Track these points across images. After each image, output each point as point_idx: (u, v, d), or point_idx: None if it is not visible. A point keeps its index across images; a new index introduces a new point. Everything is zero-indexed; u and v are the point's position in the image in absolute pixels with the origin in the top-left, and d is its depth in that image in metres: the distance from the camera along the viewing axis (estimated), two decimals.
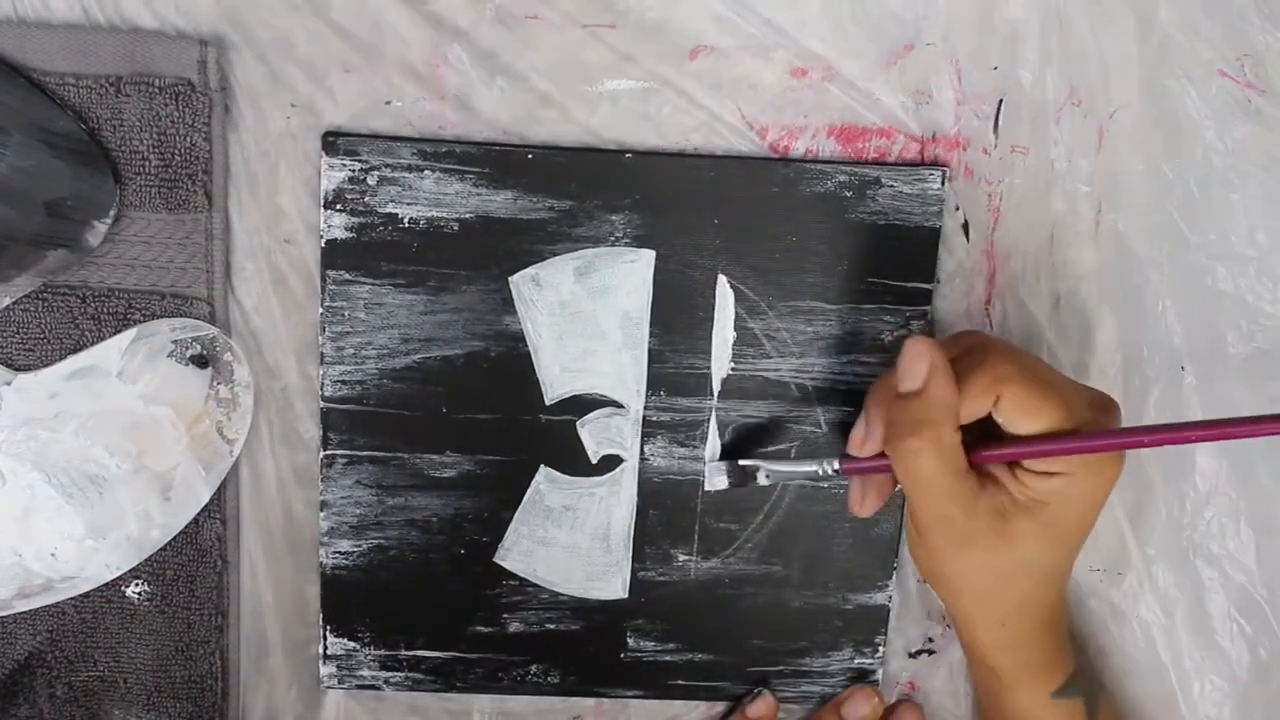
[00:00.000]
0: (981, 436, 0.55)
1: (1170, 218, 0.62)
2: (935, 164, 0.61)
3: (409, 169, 0.59)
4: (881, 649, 0.66)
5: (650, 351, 0.62)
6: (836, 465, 0.60)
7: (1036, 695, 0.60)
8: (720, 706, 0.67)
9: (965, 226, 0.62)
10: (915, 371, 0.54)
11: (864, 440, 0.58)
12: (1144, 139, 0.61)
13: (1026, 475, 0.55)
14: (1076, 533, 0.57)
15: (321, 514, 0.63)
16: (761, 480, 0.62)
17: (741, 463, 0.63)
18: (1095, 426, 0.54)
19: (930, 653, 0.67)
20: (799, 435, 0.63)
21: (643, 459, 0.63)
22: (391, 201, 0.59)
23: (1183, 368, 0.63)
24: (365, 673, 0.65)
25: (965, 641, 0.62)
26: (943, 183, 0.61)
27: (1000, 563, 0.56)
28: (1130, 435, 0.54)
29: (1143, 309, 0.63)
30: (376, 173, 0.59)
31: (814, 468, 0.61)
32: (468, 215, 0.60)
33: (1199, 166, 0.61)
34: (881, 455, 0.57)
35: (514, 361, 0.61)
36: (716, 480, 0.63)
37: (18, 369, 0.59)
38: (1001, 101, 0.61)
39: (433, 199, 0.59)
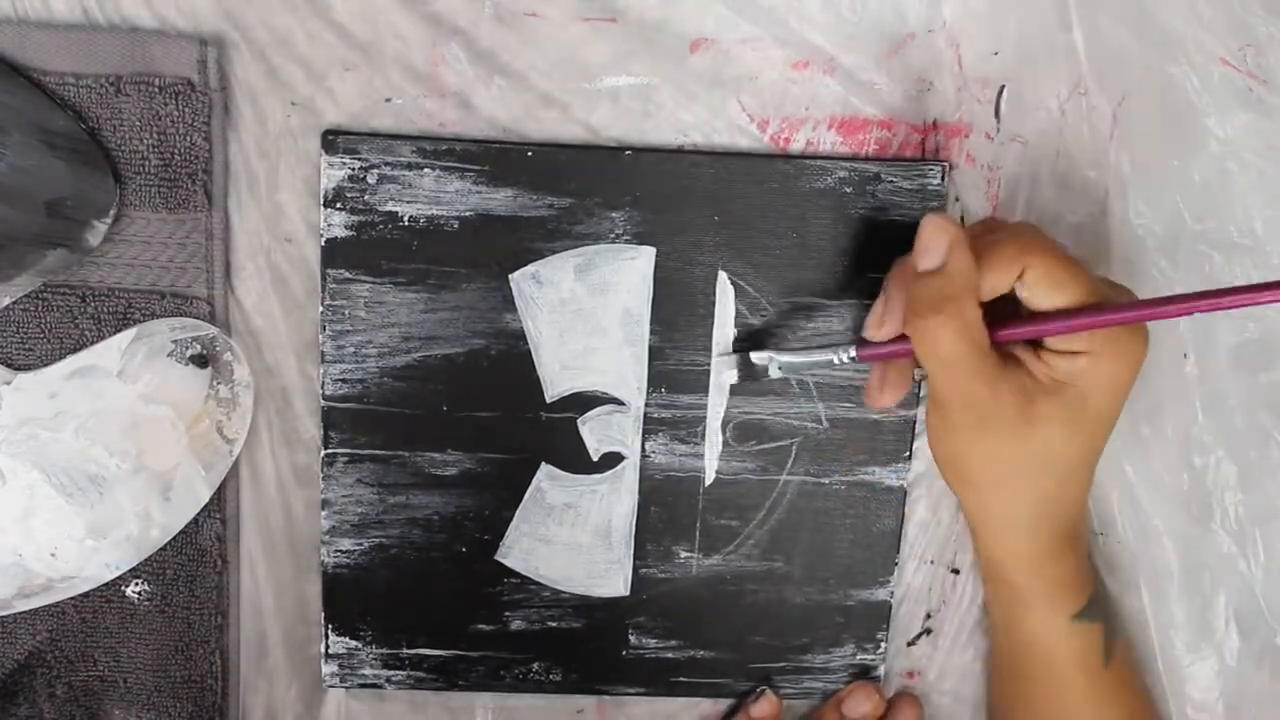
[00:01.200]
0: (1001, 319, 0.54)
1: (1172, 206, 0.62)
2: (935, 159, 0.61)
3: (409, 167, 0.59)
4: (884, 645, 0.66)
5: (651, 348, 0.62)
6: (853, 353, 0.58)
7: (1057, 617, 0.59)
8: (723, 704, 0.67)
9: (962, 219, 0.62)
10: (936, 246, 0.53)
11: (882, 321, 0.57)
12: (1145, 127, 0.61)
13: (1050, 355, 0.54)
14: (1101, 420, 0.56)
15: (323, 513, 0.63)
16: (773, 373, 0.60)
17: (753, 355, 0.61)
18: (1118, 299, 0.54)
19: (928, 632, 0.67)
20: (800, 431, 0.63)
21: (644, 456, 0.63)
22: (391, 200, 0.59)
23: (1185, 355, 0.63)
24: (367, 671, 0.65)
25: (984, 555, 0.61)
26: (942, 178, 0.61)
27: (1023, 450, 0.55)
28: (1157, 306, 0.52)
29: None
30: (376, 171, 0.59)
31: (829, 356, 0.59)
32: (468, 213, 0.60)
33: (1199, 155, 0.62)
34: (900, 339, 0.56)
35: (515, 359, 0.62)
36: (726, 374, 0.62)
37: (18, 369, 0.59)
38: (1003, 87, 0.61)
39: (433, 197, 0.59)
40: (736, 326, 0.62)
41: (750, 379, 0.62)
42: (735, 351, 0.62)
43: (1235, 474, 0.64)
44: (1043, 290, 0.53)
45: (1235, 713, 0.65)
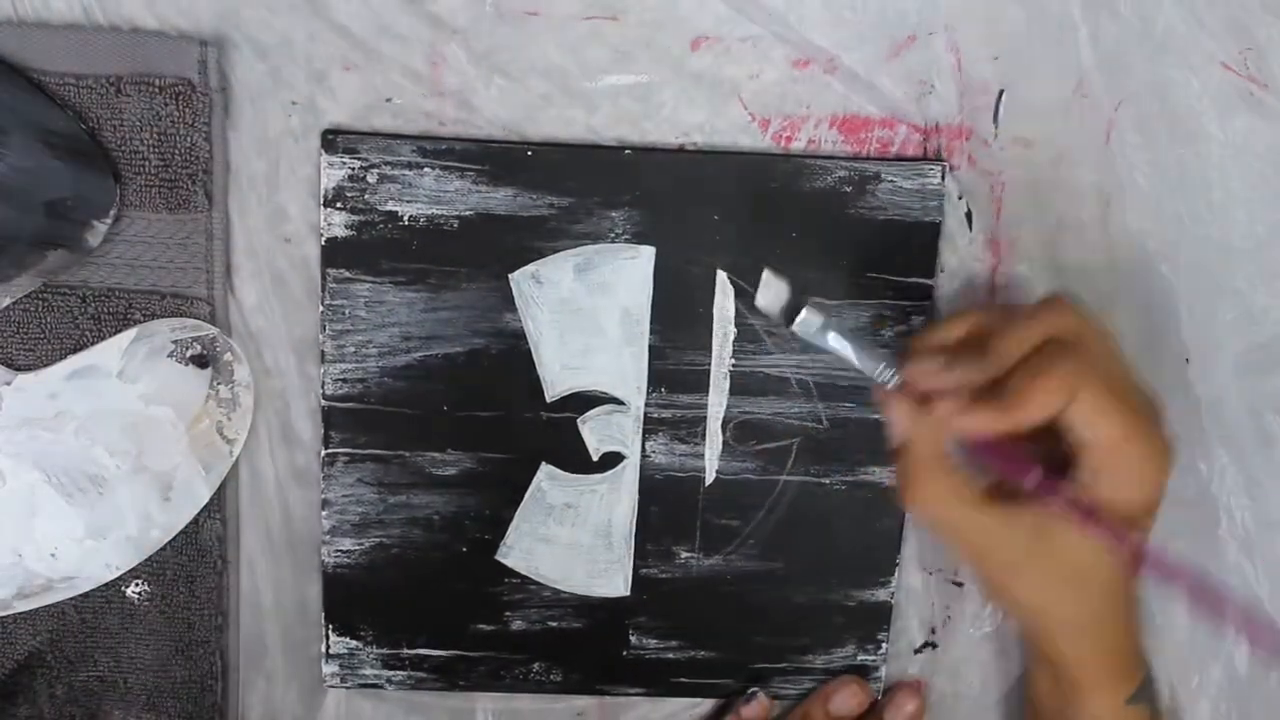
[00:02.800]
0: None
1: (1173, 209, 0.62)
2: (936, 158, 0.61)
3: (409, 167, 0.59)
4: (884, 645, 0.66)
5: (651, 348, 0.62)
6: (896, 378, 0.54)
7: (1112, 700, 0.58)
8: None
9: (969, 216, 0.62)
10: (894, 428, 0.53)
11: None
12: (1147, 131, 0.61)
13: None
14: (1134, 524, 0.54)
15: (323, 513, 0.63)
16: (811, 335, 0.54)
17: (811, 302, 0.54)
18: (1156, 429, 0.53)
19: (933, 645, 0.67)
20: (800, 431, 0.63)
21: (644, 456, 0.63)
22: (391, 199, 0.59)
23: (1187, 360, 0.63)
24: (368, 671, 0.65)
25: (1037, 653, 0.60)
26: (942, 178, 0.61)
27: (1056, 578, 0.54)
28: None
29: (1148, 301, 0.63)
30: (376, 170, 0.59)
31: (879, 365, 0.54)
32: (468, 213, 0.60)
33: (1200, 158, 0.61)
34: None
35: (515, 359, 0.62)
36: (767, 297, 0.54)
37: (18, 369, 0.59)
38: (1002, 92, 0.61)
39: (432, 196, 0.59)
40: (736, 326, 0.62)
41: (782, 322, 0.54)
42: (789, 286, 0.55)
43: (1242, 481, 0.64)
44: (1090, 424, 0.51)
45: None
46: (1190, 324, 0.63)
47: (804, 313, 0.53)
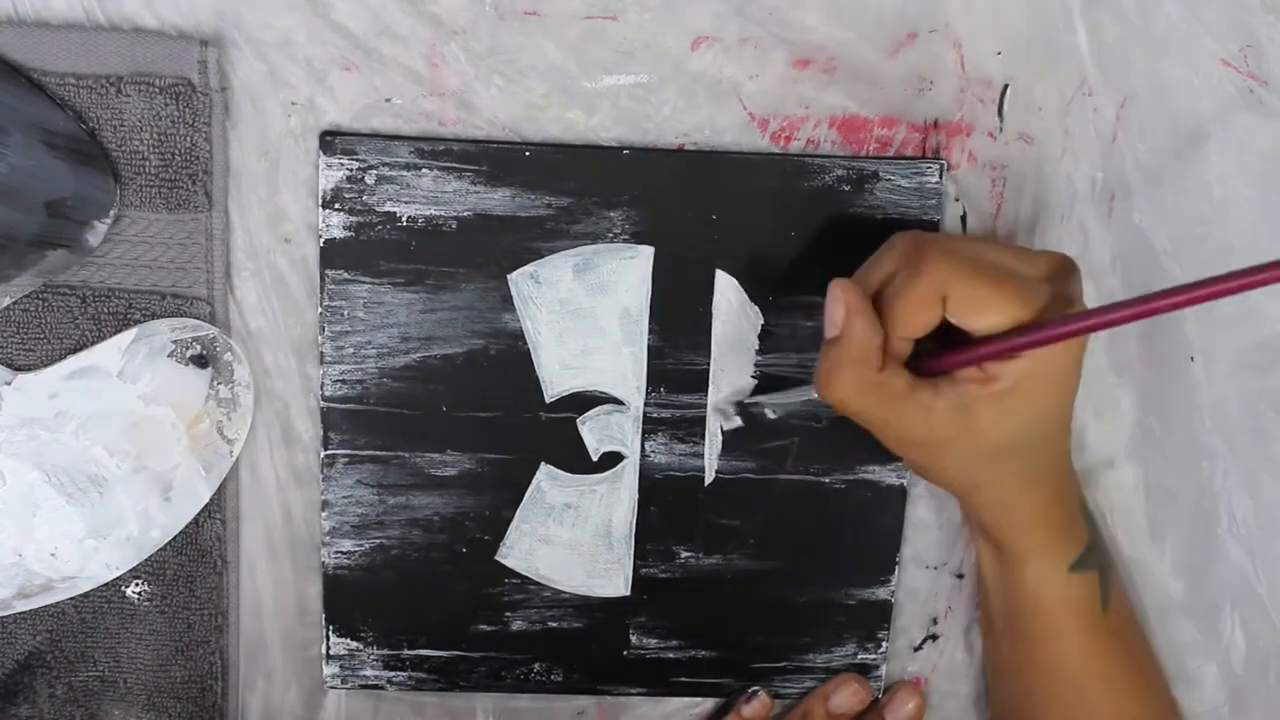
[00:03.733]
0: (945, 336, 0.54)
1: (1175, 207, 0.62)
2: (934, 158, 0.61)
3: (407, 168, 0.59)
4: (885, 644, 0.66)
5: (650, 348, 0.62)
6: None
7: (1055, 570, 0.59)
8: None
9: (964, 219, 0.62)
10: (834, 314, 0.54)
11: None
12: (1149, 128, 0.61)
13: (988, 364, 0.53)
14: (1058, 403, 0.55)
15: (323, 514, 0.63)
16: (770, 414, 0.61)
17: (745, 402, 0.62)
18: (1057, 302, 0.52)
19: (934, 638, 0.67)
20: (800, 430, 0.63)
21: (643, 456, 0.63)
22: (390, 200, 0.59)
23: (1191, 358, 0.63)
24: (368, 672, 0.65)
25: (973, 521, 0.61)
26: (940, 176, 0.61)
27: (981, 456, 0.55)
28: (1093, 316, 0.51)
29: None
30: (374, 172, 0.59)
31: (811, 394, 0.58)
32: (466, 213, 0.60)
33: (1202, 156, 0.61)
34: None
35: (514, 359, 0.61)
36: (728, 423, 0.62)
37: (18, 369, 0.59)
38: (1006, 87, 0.61)
39: (431, 197, 0.59)
40: (735, 326, 0.62)
41: (754, 427, 0.62)
42: (732, 403, 0.62)
43: (1243, 479, 0.64)
44: (969, 317, 0.52)
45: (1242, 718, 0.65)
46: (1192, 322, 0.63)
47: (747, 404, 0.62)
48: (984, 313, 0.52)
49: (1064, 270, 0.54)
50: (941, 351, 0.54)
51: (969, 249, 0.54)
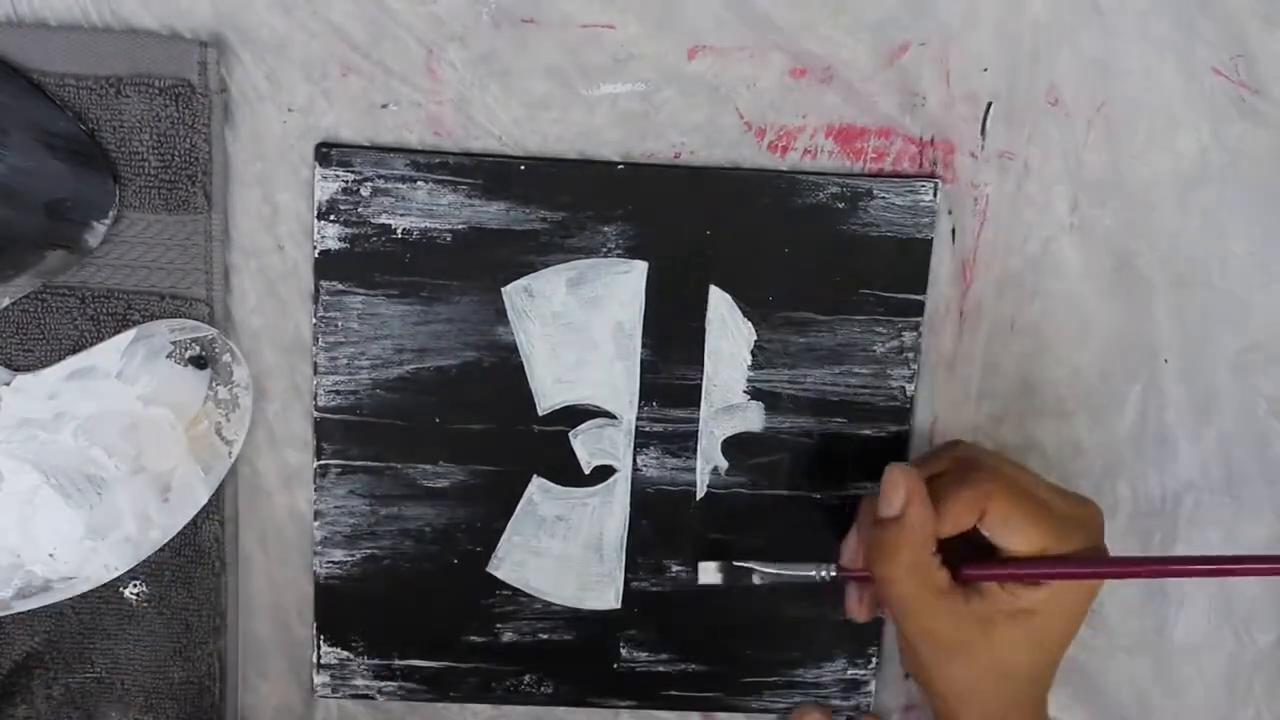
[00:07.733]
0: (973, 546, 0.57)
1: (1166, 218, 0.62)
2: (929, 176, 0.61)
3: (402, 180, 0.59)
4: (875, 660, 0.66)
5: (643, 362, 0.62)
6: (833, 571, 0.60)
7: None
8: (713, 718, 0.67)
9: (954, 231, 0.62)
10: (895, 496, 0.56)
11: (855, 554, 0.61)
12: (1137, 139, 0.61)
13: (1013, 585, 0.56)
14: (1062, 637, 0.58)
15: (315, 524, 0.63)
16: (755, 580, 0.61)
17: (735, 563, 0.62)
18: (1081, 538, 0.56)
19: None
20: (791, 446, 0.63)
21: (635, 470, 0.63)
22: (385, 212, 0.59)
23: (1165, 360, 0.63)
24: (359, 682, 0.65)
25: None
26: (935, 194, 0.60)
27: (987, 669, 0.57)
28: (1119, 565, 0.58)
29: (1133, 306, 0.63)
30: (369, 184, 0.59)
31: (810, 572, 0.60)
32: (460, 226, 0.60)
33: (1193, 167, 0.61)
34: None
35: (507, 372, 0.61)
36: (709, 576, 0.62)
37: (17, 369, 0.59)
38: (990, 105, 0.60)
39: (426, 210, 0.59)
40: (728, 341, 0.62)
41: (733, 584, 0.62)
42: (717, 559, 0.62)
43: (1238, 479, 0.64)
44: (1003, 535, 0.56)
45: None
46: (1177, 328, 0.63)
47: (711, 571, 0.62)
48: (1016, 534, 0.56)
49: (1089, 514, 0.58)
50: (975, 563, 0.57)
51: (1018, 475, 0.58)
